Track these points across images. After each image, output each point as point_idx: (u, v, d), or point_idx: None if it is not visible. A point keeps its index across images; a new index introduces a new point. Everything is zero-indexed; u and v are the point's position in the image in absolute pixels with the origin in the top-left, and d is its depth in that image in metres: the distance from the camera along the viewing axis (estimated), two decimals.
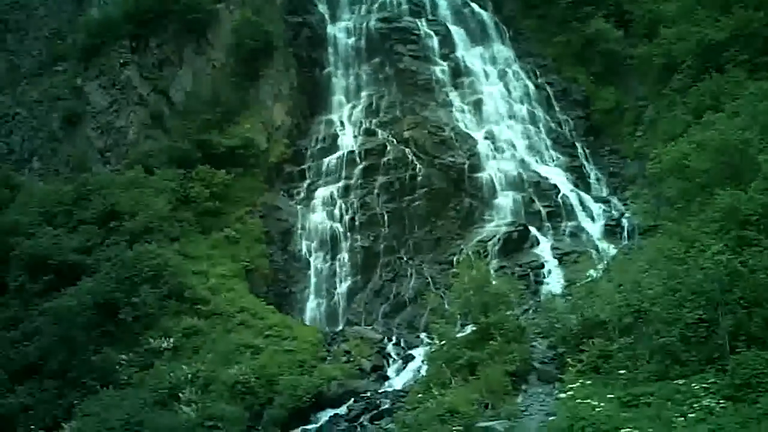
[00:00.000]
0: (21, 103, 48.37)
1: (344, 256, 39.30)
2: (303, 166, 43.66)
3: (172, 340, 32.23)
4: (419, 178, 40.54)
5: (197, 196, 39.94)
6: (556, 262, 36.33)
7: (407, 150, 41.74)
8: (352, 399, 29.68)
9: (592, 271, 28.21)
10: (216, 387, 29.52)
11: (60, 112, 46.02)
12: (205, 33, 45.50)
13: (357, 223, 39.95)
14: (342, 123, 45.39)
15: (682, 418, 15.54)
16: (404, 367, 31.77)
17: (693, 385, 17.15)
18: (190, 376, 29.56)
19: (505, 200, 40.06)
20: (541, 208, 39.45)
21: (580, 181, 42.14)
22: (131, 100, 43.97)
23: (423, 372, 28.88)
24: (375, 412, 28.05)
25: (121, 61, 44.56)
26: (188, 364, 30.52)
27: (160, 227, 37.30)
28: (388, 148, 42.04)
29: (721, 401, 16.27)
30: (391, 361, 32.83)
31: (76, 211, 38.02)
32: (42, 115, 47.12)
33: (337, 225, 40.14)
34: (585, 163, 43.30)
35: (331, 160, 42.97)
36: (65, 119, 45.46)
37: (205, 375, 29.81)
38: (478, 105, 44.99)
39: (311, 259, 39.59)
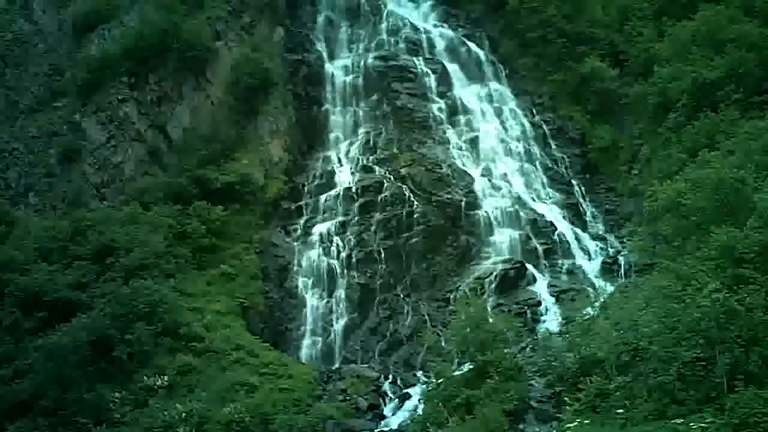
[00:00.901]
0: (19, 139, 48.35)
1: (341, 293, 39.14)
2: (300, 203, 43.65)
3: (166, 378, 31.89)
4: (416, 215, 40.51)
5: (194, 233, 39.83)
6: (553, 299, 36.27)
7: (404, 187, 41.76)
8: None
9: (589, 309, 28.10)
10: (211, 426, 29.18)
11: (57, 147, 46.00)
12: (204, 70, 45.74)
13: (354, 260, 39.84)
14: (339, 160, 45.51)
15: None
16: (401, 406, 31.50)
17: (691, 424, 17.06)
18: (184, 414, 29.21)
19: (502, 237, 40.05)
20: (538, 246, 39.46)
21: (577, 218, 42.21)
22: (129, 136, 44.02)
23: (420, 411, 28.67)
24: None
25: (120, 97, 44.59)
26: (183, 402, 30.13)
27: (156, 263, 37.11)
28: (386, 185, 42.08)
29: None
30: (387, 399, 32.57)
31: (72, 246, 37.85)
32: (39, 150, 47.08)
33: (334, 262, 40.04)
34: (581, 200, 43.41)
35: (328, 196, 43.00)
36: (62, 155, 45.42)
37: (199, 413, 29.44)
38: (474, 142, 45.21)
39: (307, 296, 39.40)
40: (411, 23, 51.78)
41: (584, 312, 27.92)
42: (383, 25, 51.46)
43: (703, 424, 16.89)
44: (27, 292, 34.62)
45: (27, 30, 52.97)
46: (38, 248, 37.82)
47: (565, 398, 23.15)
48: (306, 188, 44.32)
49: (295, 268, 40.27)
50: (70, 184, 44.48)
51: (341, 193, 42.66)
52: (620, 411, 19.72)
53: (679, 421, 17.66)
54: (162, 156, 43.87)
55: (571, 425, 19.49)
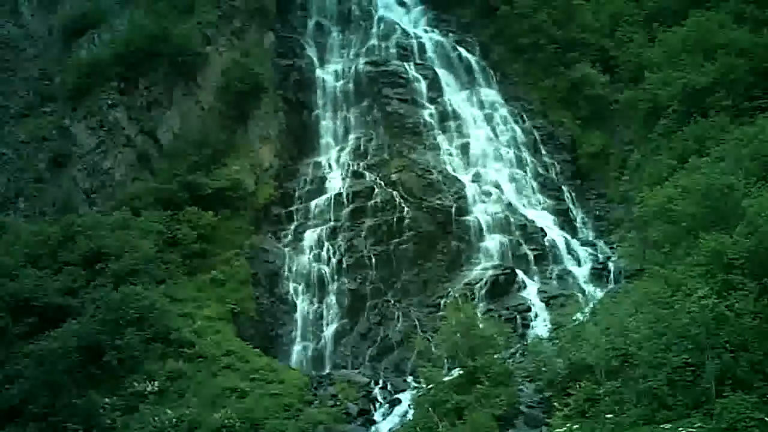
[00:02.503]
0: (7, 144, 48.16)
1: (331, 298, 39.14)
2: (291, 209, 43.62)
3: (156, 383, 31.81)
4: (406, 221, 40.52)
5: (184, 238, 39.70)
6: (542, 305, 36.21)
7: (395, 193, 41.79)
8: None
9: (578, 315, 28.20)
10: (201, 431, 29.16)
11: (47, 153, 45.94)
12: (195, 75, 45.67)
13: (344, 265, 39.80)
14: (330, 165, 45.53)
15: None
16: (391, 411, 31.40)
17: (679, 429, 17.14)
18: (174, 420, 29.17)
19: (492, 243, 40.03)
20: (528, 252, 39.48)
21: (567, 224, 42.28)
22: (119, 141, 43.87)
23: (410, 416, 28.65)
24: None
25: (110, 102, 44.45)
26: (173, 407, 30.07)
27: (146, 269, 36.97)
28: (376, 190, 42.10)
29: None
30: (377, 404, 32.47)
31: (62, 252, 37.62)
32: (29, 155, 46.94)
33: (325, 267, 40.01)
34: (571, 206, 43.49)
35: (318, 202, 42.99)
36: (52, 160, 45.37)
37: (190, 419, 29.39)
38: (465, 148, 45.23)
39: (298, 302, 39.37)
40: (402, 28, 51.88)
41: (574, 317, 28.01)
42: (374, 31, 51.56)
43: (691, 429, 16.97)
44: (16, 298, 34.37)
45: (15, 34, 52.90)
46: (27, 254, 37.58)
47: (555, 403, 23.23)
48: (297, 194, 44.30)
49: (286, 273, 40.24)
50: (59, 189, 44.36)
51: (332, 198, 42.63)
52: (609, 416, 19.78)
53: (667, 426, 17.74)
54: (152, 161, 43.77)
55: (560, 430, 19.53)
